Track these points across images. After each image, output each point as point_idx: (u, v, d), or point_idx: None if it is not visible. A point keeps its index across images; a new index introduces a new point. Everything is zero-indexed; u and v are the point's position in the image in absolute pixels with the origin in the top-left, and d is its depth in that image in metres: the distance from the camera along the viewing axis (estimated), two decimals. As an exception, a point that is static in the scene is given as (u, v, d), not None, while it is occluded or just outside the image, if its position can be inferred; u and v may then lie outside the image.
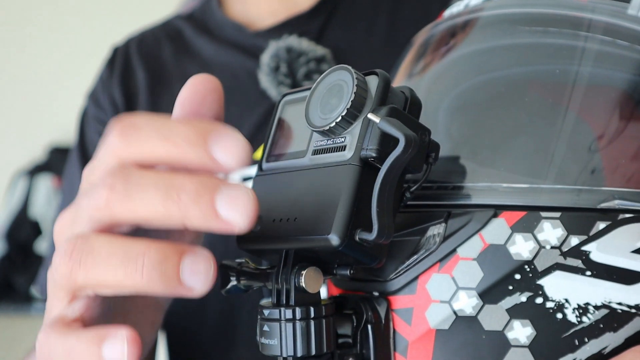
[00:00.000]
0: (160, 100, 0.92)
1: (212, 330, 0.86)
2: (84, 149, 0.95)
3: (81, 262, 0.40)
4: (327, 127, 0.45)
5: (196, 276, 0.40)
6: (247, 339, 0.82)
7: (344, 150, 0.44)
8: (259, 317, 0.46)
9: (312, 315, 0.44)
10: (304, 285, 0.44)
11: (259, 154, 0.84)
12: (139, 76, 0.95)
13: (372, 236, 0.42)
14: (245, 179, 0.85)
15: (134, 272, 0.39)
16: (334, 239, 0.42)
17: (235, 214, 0.39)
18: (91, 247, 0.40)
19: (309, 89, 0.49)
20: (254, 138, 0.85)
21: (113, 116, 0.93)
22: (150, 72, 0.95)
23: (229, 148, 0.40)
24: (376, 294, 0.48)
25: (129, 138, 0.41)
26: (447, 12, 0.61)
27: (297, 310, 0.44)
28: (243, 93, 0.89)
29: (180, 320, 0.87)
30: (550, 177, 0.48)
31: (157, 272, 0.39)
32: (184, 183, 0.39)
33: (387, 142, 0.43)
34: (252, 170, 0.84)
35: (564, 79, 0.50)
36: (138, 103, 0.93)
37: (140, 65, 0.95)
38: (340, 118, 0.44)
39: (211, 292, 0.83)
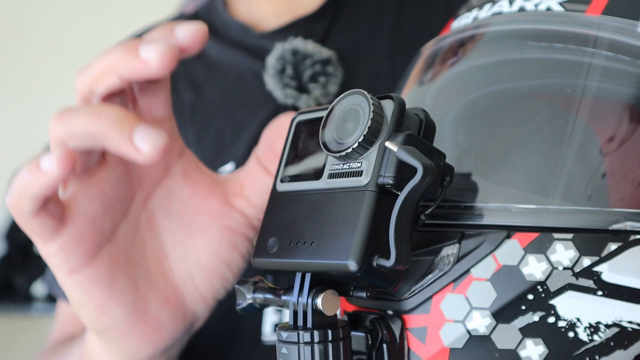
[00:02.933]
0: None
1: (215, 327, 0.87)
2: None
3: (62, 118, 0.50)
4: (344, 153, 0.45)
5: (145, 141, 0.47)
6: (250, 339, 0.83)
7: (361, 175, 0.45)
8: (277, 339, 0.47)
9: (330, 338, 0.45)
10: (321, 308, 0.45)
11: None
12: None
13: (389, 262, 0.43)
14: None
15: (98, 120, 0.48)
16: (352, 265, 0.43)
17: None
18: (73, 108, 0.50)
19: (323, 109, 0.49)
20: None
21: None
22: None
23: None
24: (390, 312, 0.49)
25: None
26: (455, 24, 0.62)
27: (315, 333, 0.45)
28: (249, 94, 0.89)
29: None
30: (562, 198, 0.48)
31: (117, 124, 0.48)
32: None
33: (404, 169, 0.44)
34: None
35: (575, 98, 0.51)
36: None
37: None
38: (357, 144, 0.45)
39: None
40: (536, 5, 0.55)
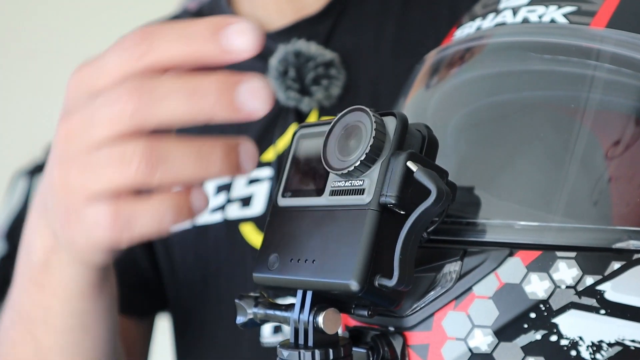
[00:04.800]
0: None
1: (215, 329, 0.87)
2: None
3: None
4: (346, 171, 0.45)
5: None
6: (249, 341, 0.83)
7: (363, 194, 0.45)
8: (277, 357, 0.46)
9: (331, 357, 0.45)
10: (322, 327, 0.45)
11: (267, 156, 0.85)
12: None
13: (391, 283, 0.42)
14: (252, 181, 0.85)
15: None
16: (354, 285, 0.43)
17: (255, 103, 0.44)
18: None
19: (325, 123, 0.49)
20: (261, 140, 0.86)
21: None
22: None
23: (241, 34, 0.44)
24: (392, 329, 0.49)
25: (149, 42, 0.46)
26: (458, 33, 0.61)
27: (317, 352, 0.45)
28: None
29: (186, 312, 0.89)
30: (565, 214, 0.48)
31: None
32: (206, 83, 0.45)
33: (406, 189, 0.43)
34: (259, 172, 0.84)
35: (579, 112, 0.50)
36: None
37: None
38: (359, 162, 0.44)
39: (213, 285, 0.83)
40: (540, 17, 0.55)
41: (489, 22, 0.58)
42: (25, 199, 2.64)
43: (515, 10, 0.56)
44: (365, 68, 0.87)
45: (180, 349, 0.91)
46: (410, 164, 0.43)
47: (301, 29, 0.89)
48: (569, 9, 0.54)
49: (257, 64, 0.89)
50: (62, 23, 2.81)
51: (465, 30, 0.60)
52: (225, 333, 0.85)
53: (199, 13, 0.99)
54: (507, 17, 0.56)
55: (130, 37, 0.47)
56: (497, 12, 0.58)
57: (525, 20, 0.55)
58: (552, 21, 0.54)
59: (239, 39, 0.44)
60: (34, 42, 2.81)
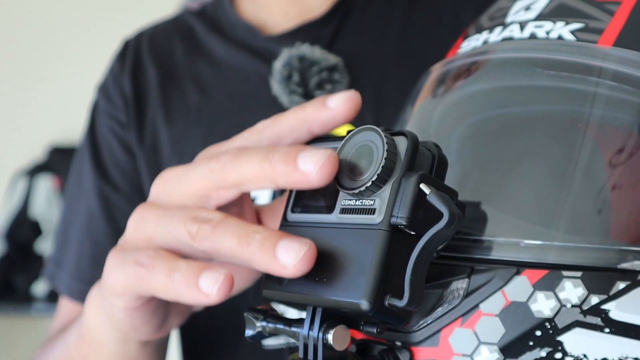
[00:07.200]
0: (170, 99, 0.93)
1: (217, 333, 0.87)
2: (95, 143, 0.95)
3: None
4: (357, 191, 0.45)
5: (288, 255, 0.47)
6: (251, 343, 0.83)
7: (373, 213, 0.45)
8: None
9: None
10: (332, 343, 0.46)
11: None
12: (149, 73, 0.94)
13: (402, 303, 0.43)
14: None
15: (247, 247, 0.48)
16: (364, 305, 0.43)
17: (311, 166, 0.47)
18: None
19: (335, 139, 0.49)
20: None
21: (123, 111, 0.93)
22: (161, 70, 0.94)
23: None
24: (399, 343, 0.49)
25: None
26: (465, 44, 0.62)
27: None
28: (254, 97, 0.89)
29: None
30: (571, 232, 0.49)
31: (263, 248, 0.47)
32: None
33: (417, 210, 0.44)
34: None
35: (587, 131, 0.51)
36: (148, 100, 0.93)
37: (152, 62, 0.95)
38: (370, 183, 0.45)
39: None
40: (547, 33, 0.55)
41: (495, 35, 0.58)
42: (25, 199, 2.64)
43: (522, 25, 0.57)
44: (368, 72, 0.87)
45: (184, 351, 0.92)
46: (423, 187, 0.44)
47: (305, 32, 0.89)
48: (576, 25, 0.54)
49: (260, 66, 0.89)
50: (63, 21, 2.80)
51: (472, 43, 0.60)
52: (227, 335, 0.85)
53: (201, 13, 1.00)
54: (514, 31, 0.57)
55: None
56: (504, 25, 0.58)
57: (533, 36, 0.55)
58: (560, 38, 0.54)
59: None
60: (34, 42, 2.80)
